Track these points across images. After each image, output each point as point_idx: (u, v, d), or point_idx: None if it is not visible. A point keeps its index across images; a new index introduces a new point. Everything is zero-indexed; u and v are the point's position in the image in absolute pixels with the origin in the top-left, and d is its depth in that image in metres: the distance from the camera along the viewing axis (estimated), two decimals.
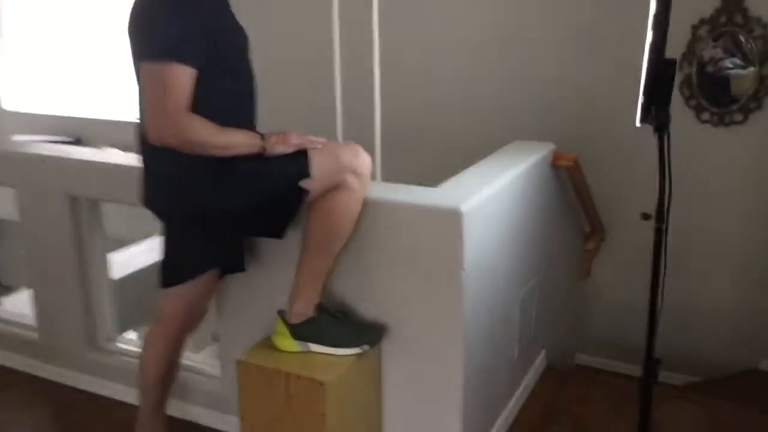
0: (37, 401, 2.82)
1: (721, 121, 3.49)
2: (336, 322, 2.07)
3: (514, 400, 2.56)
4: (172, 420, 2.47)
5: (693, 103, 3.54)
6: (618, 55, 3.29)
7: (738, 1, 3.34)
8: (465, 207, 1.95)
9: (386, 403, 2.21)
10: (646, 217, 1.68)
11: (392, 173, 3.11)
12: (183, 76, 1.71)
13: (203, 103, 1.76)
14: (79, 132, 5.31)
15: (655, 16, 1.64)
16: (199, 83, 1.75)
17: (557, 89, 3.53)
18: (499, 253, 2.27)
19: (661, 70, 1.64)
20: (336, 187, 1.92)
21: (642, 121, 1.77)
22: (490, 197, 2.14)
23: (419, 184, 2.16)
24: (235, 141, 1.83)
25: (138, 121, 1.90)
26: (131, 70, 1.86)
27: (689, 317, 3.44)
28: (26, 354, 2.99)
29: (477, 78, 3.77)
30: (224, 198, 1.87)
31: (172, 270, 2.12)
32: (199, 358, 2.76)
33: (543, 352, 2.88)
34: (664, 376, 2.02)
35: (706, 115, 3.52)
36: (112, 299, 2.86)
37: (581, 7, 3.46)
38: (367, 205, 2.03)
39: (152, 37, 1.74)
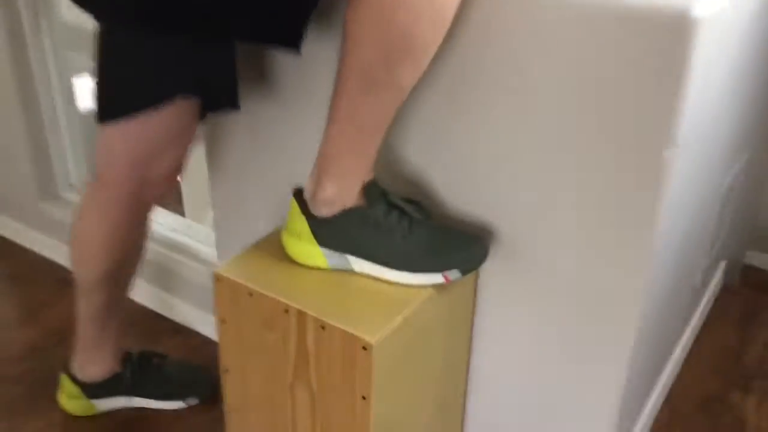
0: None
1: None
2: (402, 221, 1.06)
3: (681, 347, 1.58)
4: (144, 316, 1.62)
5: None
6: None
7: None
8: (699, 11, 0.85)
9: (477, 377, 1.25)
10: None
11: None
12: None
13: None
14: None
15: None
16: None
17: None
18: (721, 113, 1.18)
19: None
20: None
21: None
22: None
23: None
24: None
25: None
26: None
27: None
28: None
29: None
30: None
31: (109, 96, 1.16)
32: (190, 228, 1.84)
33: (722, 265, 1.84)
34: None
35: None
36: (77, 130, 1.92)
37: None
38: None
39: None
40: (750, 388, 1.56)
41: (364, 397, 1.02)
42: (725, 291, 1.86)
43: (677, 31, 0.85)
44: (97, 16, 1.09)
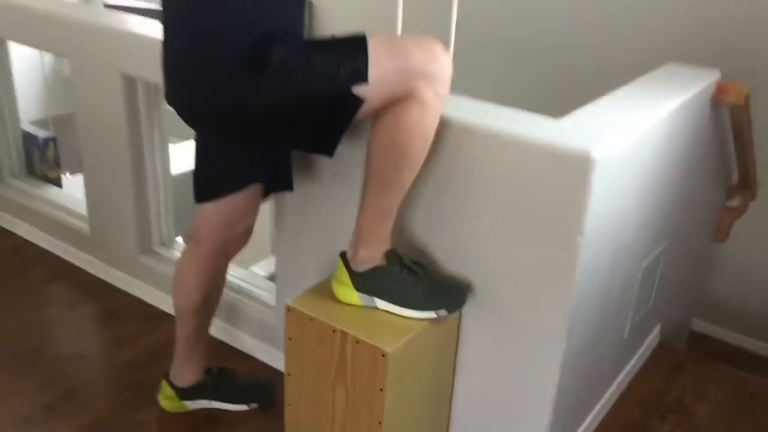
0: (85, 299, 2.59)
1: None
2: (410, 275, 1.64)
3: (616, 384, 2.12)
4: (219, 344, 2.19)
5: None
6: None
7: None
8: (597, 153, 1.45)
9: (459, 382, 1.81)
10: None
11: (489, 92, 2.58)
12: None
13: None
14: None
15: None
16: None
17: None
18: (629, 213, 1.76)
19: None
20: (405, 98, 1.44)
21: None
22: (630, 140, 1.62)
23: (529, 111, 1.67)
24: None
25: None
26: None
27: None
28: (77, 246, 2.74)
29: None
30: (257, 92, 1.43)
31: (205, 183, 1.79)
32: (255, 280, 2.43)
33: (657, 328, 2.39)
34: None
35: None
36: (170, 198, 2.54)
37: None
38: (456, 128, 1.57)
39: None
40: (666, 419, 2.08)
41: (381, 389, 1.58)
42: (660, 347, 2.39)
43: (581, 165, 1.45)
44: (199, 131, 1.71)
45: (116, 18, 2.40)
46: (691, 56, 2.30)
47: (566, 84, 2.84)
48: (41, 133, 3.04)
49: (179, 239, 2.63)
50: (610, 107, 1.75)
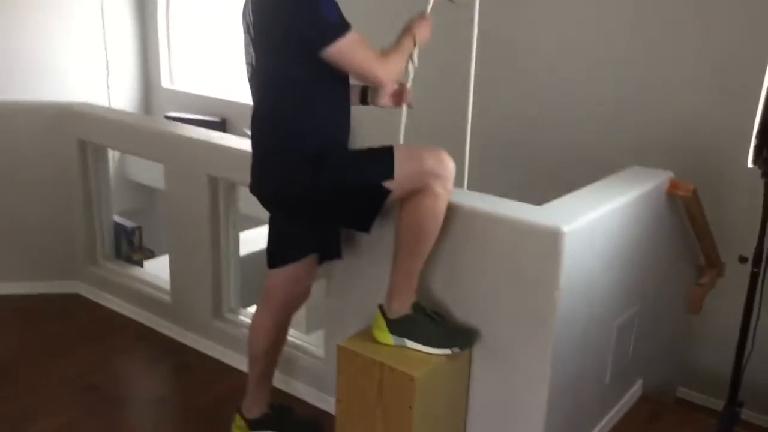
0: (161, 357, 3.15)
1: None
2: (430, 322, 2.20)
3: (601, 426, 2.59)
4: (277, 391, 2.70)
5: None
6: (748, 87, 3.15)
7: None
8: (567, 228, 2.02)
9: (471, 405, 2.33)
10: (743, 260, 1.69)
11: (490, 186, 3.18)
12: (358, 37, 2.00)
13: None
14: (224, 113, 5.75)
15: None
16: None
17: (680, 115, 3.50)
18: (598, 277, 2.31)
19: None
20: (421, 191, 2.05)
21: (754, 162, 1.78)
22: (594, 220, 2.20)
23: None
24: (405, 48, 2.18)
25: (253, 105, 2.14)
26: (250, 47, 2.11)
27: None
28: (159, 314, 3.33)
29: (595, 98, 3.80)
30: (317, 183, 2.07)
31: (275, 253, 2.37)
32: (307, 339, 2.98)
33: (639, 382, 2.87)
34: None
35: None
36: (238, 274, 3.14)
37: (711, 33, 3.39)
38: (467, 214, 2.16)
39: (323, 21, 1.96)
40: None
41: (410, 407, 2.10)
42: (642, 398, 2.86)
43: (555, 237, 2.02)
44: (273, 212, 2.31)
45: (203, 132, 3.09)
46: (653, 159, 2.90)
47: (550, 181, 3.44)
48: (128, 223, 3.69)
49: (250, 309, 3.21)
50: (581, 197, 2.35)
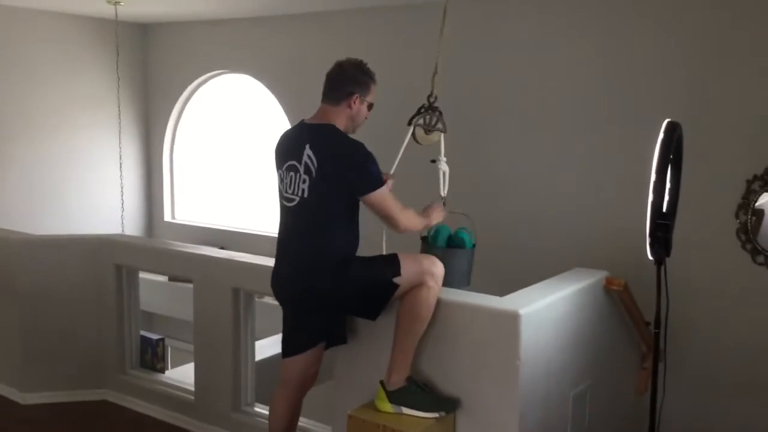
0: None
1: None
2: (422, 391, 2.77)
3: None
4: None
5: (749, 247, 4.12)
6: None
7: None
8: (523, 311, 2.65)
9: None
10: (647, 323, 2.31)
11: None
12: (388, 190, 2.73)
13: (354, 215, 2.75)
14: (222, 241, 6.41)
15: (654, 183, 2.36)
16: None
17: (622, 220, 4.25)
18: (553, 354, 2.92)
19: (658, 225, 2.33)
20: (419, 285, 2.69)
21: (651, 255, 2.45)
22: (545, 306, 2.84)
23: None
24: (424, 219, 2.90)
25: (290, 226, 2.80)
26: (300, 181, 2.72)
27: None
28: (184, 413, 3.83)
29: (543, 214, 4.62)
30: (338, 287, 2.70)
31: (290, 343, 2.92)
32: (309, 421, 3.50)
33: None
34: None
35: (760, 258, 4.08)
36: (253, 374, 3.68)
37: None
38: (445, 304, 2.79)
39: (370, 175, 2.66)
40: None
41: None
42: None
43: (513, 318, 2.65)
44: (291, 309, 2.91)
45: (225, 253, 3.73)
46: (595, 261, 3.59)
47: (511, 281, 4.11)
48: (154, 336, 4.24)
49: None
50: (534, 290, 3.00)
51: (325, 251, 2.71)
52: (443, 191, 3.07)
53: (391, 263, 2.71)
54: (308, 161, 2.69)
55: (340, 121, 2.75)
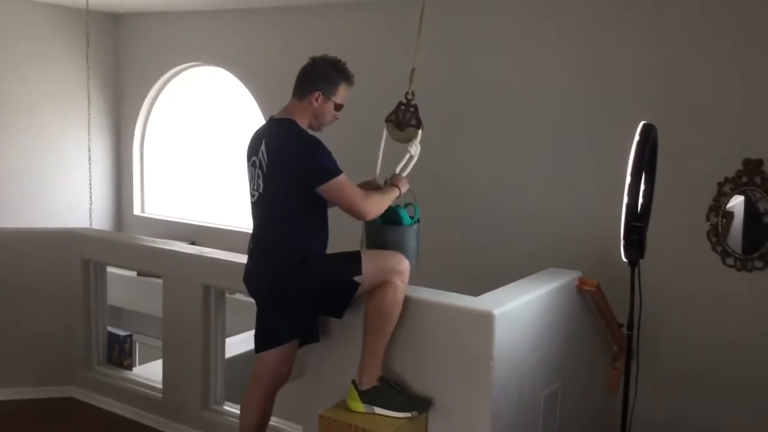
0: None
1: (744, 266, 4.09)
2: (394, 391, 2.75)
3: None
4: None
5: (719, 249, 4.16)
6: None
7: (757, 164, 4.02)
8: (497, 311, 2.64)
9: None
10: (620, 325, 2.32)
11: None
12: (347, 180, 2.64)
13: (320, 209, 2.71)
14: (193, 236, 6.33)
15: (629, 185, 2.36)
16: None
17: (596, 221, 4.28)
18: (526, 354, 2.92)
19: (633, 228, 2.34)
20: (385, 284, 2.66)
21: (625, 256, 2.45)
22: (518, 307, 2.83)
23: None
24: (390, 196, 2.78)
25: (254, 224, 2.76)
26: (261, 180, 2.69)
27: None
28: (152, 411, 3.76)
29: (518, 215, 4.67)
30: (296, 285, 2.68)
31: (263, 338, 2.89)
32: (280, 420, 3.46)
33: None
34: None
35: (730, 260, 4.12)
36: (223, 372, 3.63)
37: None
38: (418, 304, 2.77)
39: (322, 167, 2.60)
40: None
41: None
42: None
43: (487, 318, 2.64)
44: (261, 303, 2.87)
45: (196, 248, 3.67)
46: (568, 261, 3.60)
47: (485, 280, 4.10)
48: (121, 332, 4.16)
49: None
50: (507, 290, 2.99)
51: (282, 248, 2.69)
52: (398, 170, 2.89)
53: (351, 261, 2.68)
54: (261, 157, 2.69)
55: (302, 118, 2.73)
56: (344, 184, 2.64)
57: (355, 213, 2.69)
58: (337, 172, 2.63)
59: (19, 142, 6.09)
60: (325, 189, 2.62)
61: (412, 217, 2.87)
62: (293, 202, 2.68)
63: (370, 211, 2.70)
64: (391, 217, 2.84)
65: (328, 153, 2.65)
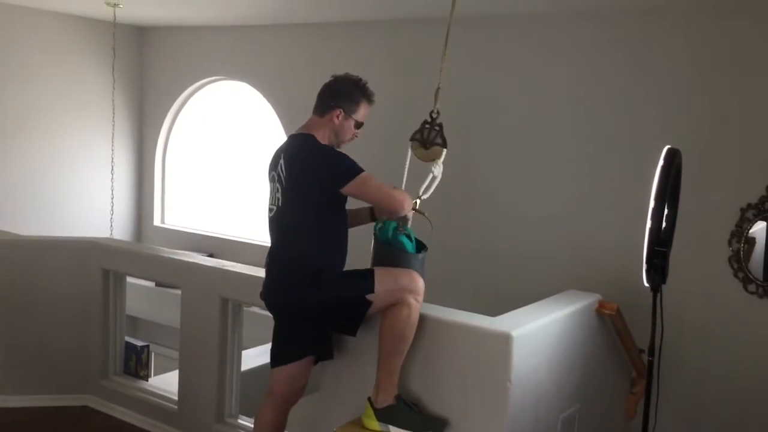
0: None
1: (766, 293, 4.03)
2: (410, 410, 2.72)
3: None
4: None
5: (741, 275, 4.11)
6: None
7: None
8: (515, 332, 2.62)
9: None
10: (641, 351, 2.29)
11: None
12: (372, 175, 2.63)
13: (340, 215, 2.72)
14: (212, 248, 6.35)
15: (653, 209, 2.34)
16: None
17: (619, 244, 4.23)
18: (543, 376, 2.89)
19: (655, 252, 2.31)
20: (399, 303, 2.65)
21: (646, 281, 2.43)
22: (537, 329, 2.81)
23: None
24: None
25: (272, 238, 2.76)
26: (279, 193, 2.70)
27: None
28: (166, 422, 3.76)
29: (540, 238, 4.63)
30: (308, 299, 2.66)
31: (278, 353, 2.89)
32: None
33: None
34: None
35: (752, 287, 4.07)
36: (239, 385, 3.62)
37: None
38: (437, 323, 2.76)
39: (346, 168, 2.61)
40: None
41: None
42: None
43: (505, 340, 2.62)
44: (278, 318, 2.87)
45: (215, 261, 3.68)
46: (588, 284, 3.56)
47: (504, 299, 4.08)
48: (139, 342, 4.17)
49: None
50: (526, 312, 2.97)
51: (296, 262, 2.69)
52: (422, 192, 2.87)
53: (364, 278, 2.66)
54: (280, 171, 2.71)
55: (322, 133, 2.75)
56: (370, 178, 2.62)
57: (386, 203, 2.67)
58: (360, 169, 2.63)
59: (43, 151, 6.17)
60: (351, 186, 2.62)
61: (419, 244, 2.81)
62: (311, 216, 2.69)
63: (404, 199, 2.67)
64: (394, 240, 2.78)
65: (347, 156, 2.67)
